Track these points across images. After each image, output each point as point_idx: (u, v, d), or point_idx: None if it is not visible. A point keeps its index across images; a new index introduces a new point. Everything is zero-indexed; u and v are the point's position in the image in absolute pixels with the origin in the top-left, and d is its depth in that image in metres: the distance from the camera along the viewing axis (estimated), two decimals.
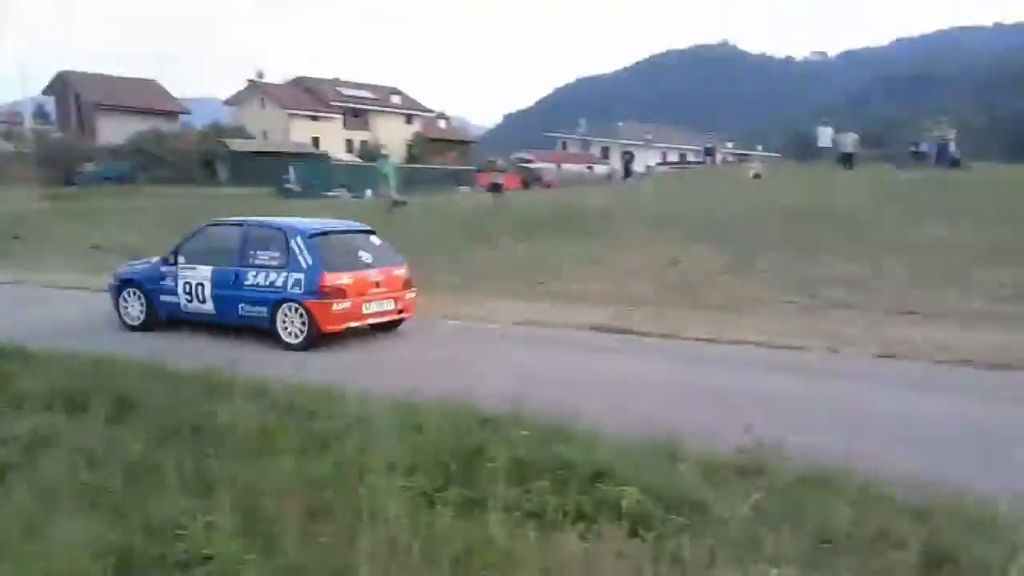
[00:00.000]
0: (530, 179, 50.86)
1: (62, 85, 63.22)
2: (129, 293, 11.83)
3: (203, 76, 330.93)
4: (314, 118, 70.11)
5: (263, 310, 10.67)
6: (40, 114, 66.27)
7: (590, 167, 64.36)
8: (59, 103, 64.84)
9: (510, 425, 6.00)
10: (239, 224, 11.52)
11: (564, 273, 16.18)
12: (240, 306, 10.85)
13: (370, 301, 10.79)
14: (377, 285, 10.90)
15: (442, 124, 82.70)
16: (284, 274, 10.54)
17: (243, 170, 53.01)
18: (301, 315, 10.43)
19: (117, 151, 53.85)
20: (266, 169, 49.30)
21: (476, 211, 25.06)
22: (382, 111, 75.28)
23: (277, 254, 10.69)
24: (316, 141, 67.61)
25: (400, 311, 11.36)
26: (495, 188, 29.53)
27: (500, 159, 49.66)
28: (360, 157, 65.38)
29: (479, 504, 4.75)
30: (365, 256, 11.10)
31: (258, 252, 10.86)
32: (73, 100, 61.97)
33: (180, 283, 11.31)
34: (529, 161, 62.19)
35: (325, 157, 61.01)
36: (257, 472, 5.34)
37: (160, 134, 56.59)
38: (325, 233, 11.14)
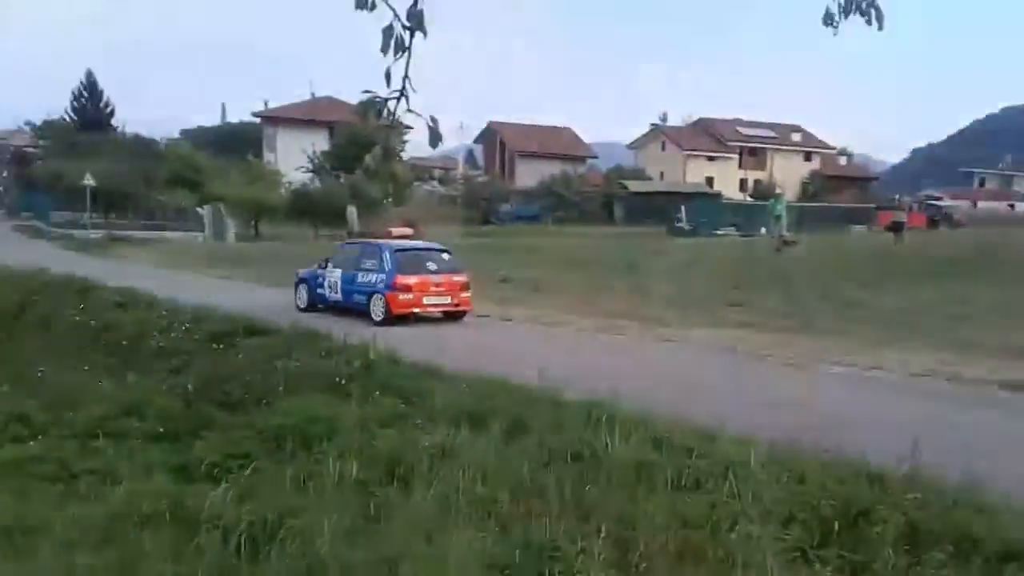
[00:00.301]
0: (938, 218, 46.43)
1: (491, 134, 70.62)
2: (301, 287, 17.13)
3: (611, 121, 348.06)
4: (710, 158, 70.55)
5: (364, 298, 15.60)
6: (470, 160, 74.59)
7: (1012, 206, 57.14)
8: (487, 150, 72.45)
9: (902, 486, 5.46)
10: (359, 243, 17.71)
11: (974, 321, 14.45)
12: (353, 295, 15.84)
13: (430, 296, 15.36)
14: (437, 286, 15.41)
15: (842, 161, 78.65)
16: (377, 275, 15.42)
17: (638, 210, 54.87)
18: (383, 302, 15.16)
19: (530, 193, 58.58)
20: (660, 209, 50.57)
21: (872, 251, 23.39)
22: (780, 149, 73.51)
23: (376, 262, 15.60)
24: (710, 181, 67.90)
25: (456, 305, 15.58)
26: (896, 227, 27.40)
27: (904, 197, 46.02)
28: (752, 196, 64.43)
29: (863, 569, 4.39)
30: (431, 265, 15.68)
31: (366, 260, 15.84)
32: (498, 147, 68.81)
33: (326, 280, 16.41)
34: (938, 199, 56.81)
35: (717, 196, 61.08)
36: (631, 505, 5.44)
37: (568, 177, 60.51)
38: (406, 250, 16.08)
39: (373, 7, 2.86)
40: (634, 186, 60.60)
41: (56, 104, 73.91)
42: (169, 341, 13.39)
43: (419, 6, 2.89)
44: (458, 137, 70.64)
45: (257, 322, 13.26)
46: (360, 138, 34.34)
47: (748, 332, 14.48)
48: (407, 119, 3.15)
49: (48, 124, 62.01)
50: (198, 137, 73.80)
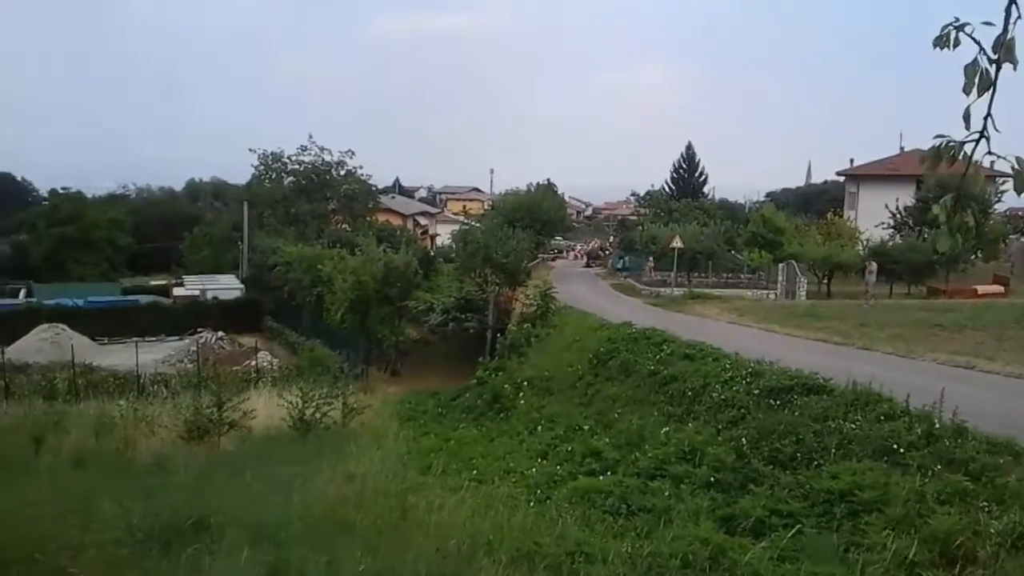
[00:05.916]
0: None
1: None
2: None
3: None
4: None
5: None
6: None
7: None
8: None
9: None
10: None
11: None
12: None
13: None
14: None
15: None
16: None
17: None
18: None
19: None
20: None
21: None
22: None
23: None
24: None
25: None
26: None
27: None
28: None
29: None
30: None
31: None
32: None
33: None
34: None
35: None
36: None
37: None
38: None
39: (957, 44, 2.57)
40: None
41: (659, 177, 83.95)
42: (729, 393, 13.74)
43: (1010, 34, 2.48)
44: None
45: (815, 380, 12.90)
46: (950, 189, 31.64)
47: None
48: (1000, 164, 2.76)
49: (649, 194, 70.64)
50: (781, 198, 76.75)
